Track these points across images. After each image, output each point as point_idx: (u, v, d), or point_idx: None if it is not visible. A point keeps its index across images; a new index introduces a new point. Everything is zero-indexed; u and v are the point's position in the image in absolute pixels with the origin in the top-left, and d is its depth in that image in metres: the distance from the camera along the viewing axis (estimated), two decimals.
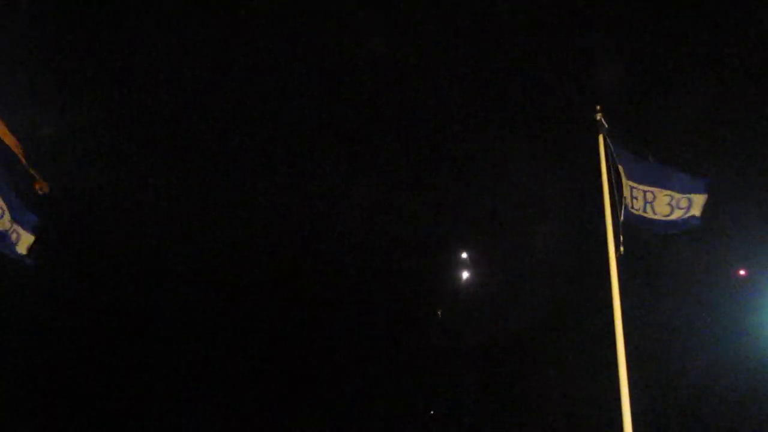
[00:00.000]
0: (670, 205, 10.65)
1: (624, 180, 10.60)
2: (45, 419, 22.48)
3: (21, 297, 19.63)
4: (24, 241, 9.22)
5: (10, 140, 8.84)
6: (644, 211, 10.67)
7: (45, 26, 19.77)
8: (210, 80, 23.54)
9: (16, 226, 9.10)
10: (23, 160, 8.97)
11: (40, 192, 9.10)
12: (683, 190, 10.70)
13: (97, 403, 23.74)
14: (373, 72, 23.93)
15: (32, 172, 9.07)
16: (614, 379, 9.59)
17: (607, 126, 11.09)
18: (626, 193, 10.54)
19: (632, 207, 10.72)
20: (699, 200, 10.66)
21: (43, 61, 19.60)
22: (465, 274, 23.71)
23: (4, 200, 8.95)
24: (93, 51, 21.42)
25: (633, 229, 10.80)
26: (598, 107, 11.33)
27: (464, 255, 23.59)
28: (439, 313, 23.97)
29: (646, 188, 10.68)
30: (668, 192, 10.66)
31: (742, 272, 20.94)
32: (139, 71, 22.35)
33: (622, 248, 10.25)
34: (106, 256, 23.62)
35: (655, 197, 10.67)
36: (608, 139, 11.02)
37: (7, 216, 8.98)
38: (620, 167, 10.72)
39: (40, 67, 19.15)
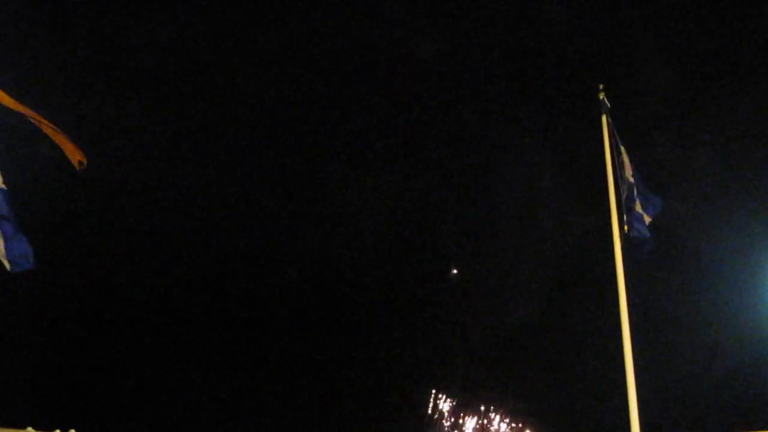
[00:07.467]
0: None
1: (626, 159, 10.39)
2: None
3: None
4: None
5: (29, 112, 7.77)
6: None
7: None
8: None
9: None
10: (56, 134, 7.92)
11: (79, 167, 8.01)
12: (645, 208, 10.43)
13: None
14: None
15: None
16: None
17: (609, 105, 10.96)
18: (628, 174, 10.30)
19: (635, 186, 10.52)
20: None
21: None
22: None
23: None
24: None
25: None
26: (601, 86, 11.20)
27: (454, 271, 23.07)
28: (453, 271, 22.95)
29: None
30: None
31: None
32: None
33: (626, 227, 10.06)
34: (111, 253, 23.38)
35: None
36: (611, 119, 10.88)
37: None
38: (622, 147, 10.55)
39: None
